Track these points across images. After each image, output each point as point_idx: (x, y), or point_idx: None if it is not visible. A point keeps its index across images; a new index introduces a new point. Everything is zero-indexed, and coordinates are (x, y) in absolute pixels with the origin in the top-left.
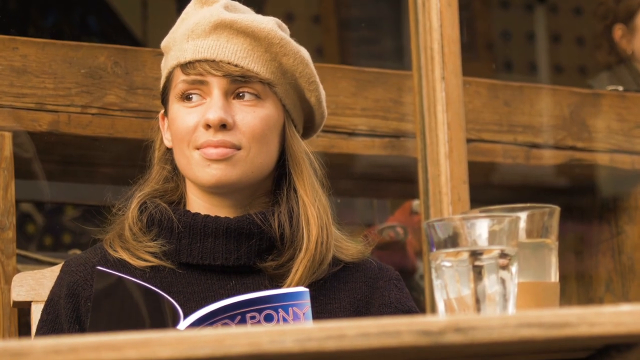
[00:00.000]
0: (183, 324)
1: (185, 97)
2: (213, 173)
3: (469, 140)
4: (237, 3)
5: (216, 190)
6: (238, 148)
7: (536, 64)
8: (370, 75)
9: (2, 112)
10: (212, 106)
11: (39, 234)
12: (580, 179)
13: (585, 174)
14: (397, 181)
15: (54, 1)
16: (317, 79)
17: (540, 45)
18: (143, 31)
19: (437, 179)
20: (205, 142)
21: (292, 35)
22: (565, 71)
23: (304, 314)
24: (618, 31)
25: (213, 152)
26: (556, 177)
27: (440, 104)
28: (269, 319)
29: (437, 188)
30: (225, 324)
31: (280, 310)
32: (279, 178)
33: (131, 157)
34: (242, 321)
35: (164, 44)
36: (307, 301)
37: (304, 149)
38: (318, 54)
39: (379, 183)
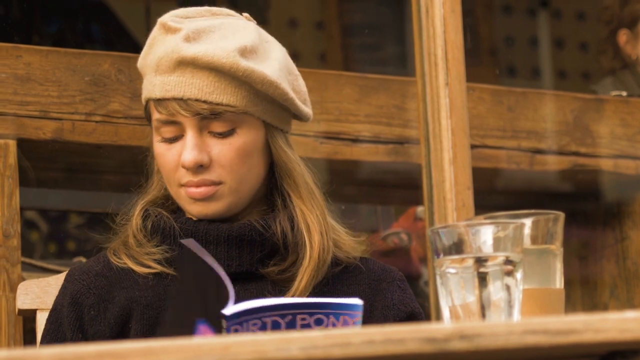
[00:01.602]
0: (230, 308)
1: (163, 135)
2: (199, 210)
3: (473, 146)
4: (201, 26)
5: (206, 219)
6: (219, 183)
7: (539, 69)
8: (374, 82)
9: (6, 120)
10: (186, 148)
11: (43, 242)
12: (584, 184)
13: (589, 179)
14: (401, 187)
15: (58, 9)
16: (290, 94)
17: (543, 51)
18: (146, 38)
19: (442, 185)
20: (188, 182)
21: (295, 42)
22: (568, 77)
23: (354, 322)
24: (623, 36)
25: (195, 191)
26: (560, 183)
27: (444, 110)
28: (318, 322)
29: (441, 194)
30: (275, 321)
31: (331, 316)
32: (273, 183)
33: (135, 164)
34: (292, 321)
35: (138, 65)
36: (359, 312)
37: (293, 158)
38: (321, 60)
39: (383, 189)
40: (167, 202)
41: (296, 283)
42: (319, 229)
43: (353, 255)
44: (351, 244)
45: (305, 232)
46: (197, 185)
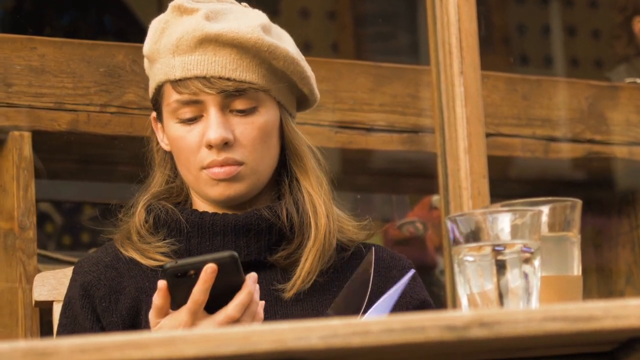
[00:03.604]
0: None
1: (181, 116)
2: (221, 191)
3: (487, 135)
4: (215, 7)
5: (226, 204)
6: (241, 163)
7: (552, 57)
8: (388, 71)
9: (21, 112)
10: (211, 125)
11: (57, 234)
12: (599, 172)
13: (603, 167)
14: (416, 176)
15: (70, 1)
16: (308, 72)
17: (555, 39)
18: None
19: (457, 174)
20: (211, 162)
21: (307, 33)
22: (581, 64)
23: None
24: (638, 24)
25: (220, 171)
26: (575, 171)
27: (458, 99)
28: None
29: (456, 183)
30: None
31: None
32: (281, 167)
33: None
34: None
35: (147, 52)
36: None
37: (304, 142)
38: (333, 50)
39: (398, 178)
40: (171, 196)
41: (301, 264)
42: (326, 212)
43: (357, 239)
44: (354, 230)
45: (311, 213)
46: (221, 165)
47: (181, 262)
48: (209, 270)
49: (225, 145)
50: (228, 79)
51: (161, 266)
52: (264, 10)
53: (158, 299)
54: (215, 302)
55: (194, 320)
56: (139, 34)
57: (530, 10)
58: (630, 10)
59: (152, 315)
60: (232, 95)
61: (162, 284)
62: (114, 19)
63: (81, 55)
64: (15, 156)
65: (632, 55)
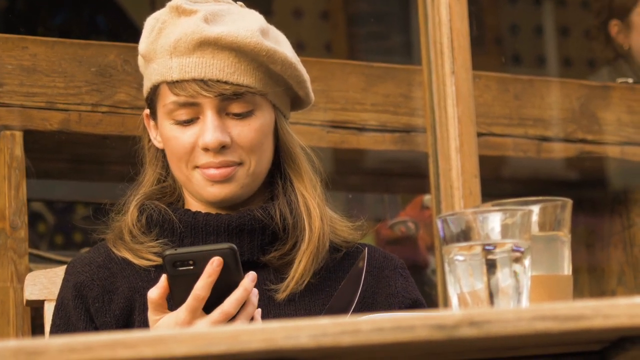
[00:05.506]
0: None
1: (177, 117)
2: (216, 192)
3: (479, 134)
4: (214, 9)
5: (219, 204)
6: (240, 163)
7: (545, 57)
8: (380, 71)
9: (12, 112)
10: (208, 128)
11: (49, 233)
12: (591, 171)
13: (595, 166)
14: (408, 176)
15: (63, 0)
16: (304, 75)
17: (548, 39)
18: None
19: (448, 173)
20: (207, 164)
21: (300, 33)
22: (574, 64)
23: None
24: (614, 27)
25: (216, 172)
26: (567, 170)
27: (450, 98)
28: None
29: (448, 182)
30: None
31: None
32: (274, 168)
33: None
34: None
35: (143, 51)
36: None
37: (298, 143)
38: (327, 50)
39: (390, 178)
40: (164, 196)
41: (295, 266)
42: (320, 214)
43: (350, 240)
44: (348, 230)
45: (305, 216)
46: (218, 167)
47: (181, 250)
48: (215, 264)
49: (222, 148)
50: (226, 82)
51: (160, 254)
52: (257, 10)
53: (156, 291)
54: (212, 302)
55: (192, 319)
56: (132, 34)
57: (522, 10)
58: (606, 14)
59: (150, 312)
60: (229, 99)
61: (163, 277)
62: (107, 18)
63: (73, 54)
64: (6, 156)
65: (611, 58)
